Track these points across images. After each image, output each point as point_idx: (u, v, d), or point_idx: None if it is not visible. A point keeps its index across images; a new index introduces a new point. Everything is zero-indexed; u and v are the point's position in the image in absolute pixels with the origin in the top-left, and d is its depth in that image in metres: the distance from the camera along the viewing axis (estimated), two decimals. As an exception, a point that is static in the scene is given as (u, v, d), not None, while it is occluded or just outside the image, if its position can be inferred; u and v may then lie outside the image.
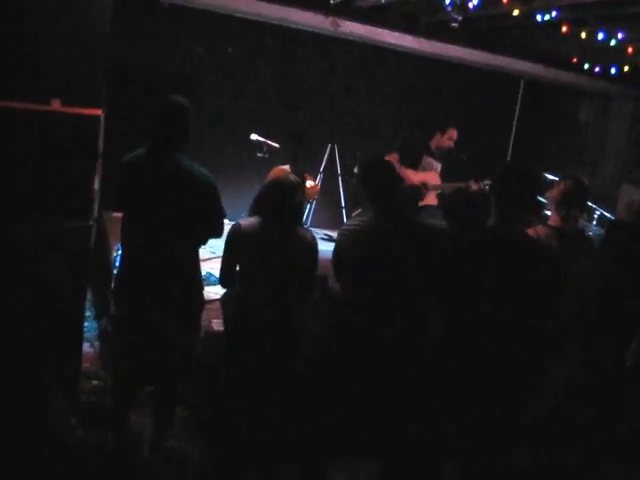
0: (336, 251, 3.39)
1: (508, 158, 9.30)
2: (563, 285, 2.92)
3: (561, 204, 3.64)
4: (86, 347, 4.32)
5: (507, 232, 2.90)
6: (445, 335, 2.99)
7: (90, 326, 4.82)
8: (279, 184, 3.53)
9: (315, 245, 3.57)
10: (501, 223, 2.90)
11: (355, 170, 7.87)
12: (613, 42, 6.19)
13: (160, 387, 3.66)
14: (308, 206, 7.28)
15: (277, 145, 6.83)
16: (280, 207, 3.47)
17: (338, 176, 7.85)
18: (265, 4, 6.24)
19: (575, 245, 3.57)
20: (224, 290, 3.81)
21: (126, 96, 6.22)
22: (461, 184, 6.39)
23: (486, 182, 6.33)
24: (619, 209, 3.87)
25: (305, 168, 6.53)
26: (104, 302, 4.82)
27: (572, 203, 3.63)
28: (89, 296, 4.40)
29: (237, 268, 3.55)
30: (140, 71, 6.89)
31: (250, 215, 3.69)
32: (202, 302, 3.60)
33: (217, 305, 4.08)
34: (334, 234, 7.43)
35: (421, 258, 3.17)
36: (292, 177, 3.63)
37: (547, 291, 2.84)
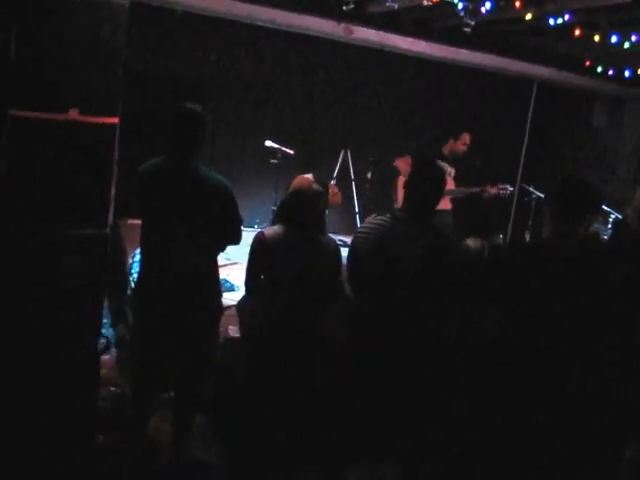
0: (352, 254, 3.38)
1: (521, 162, 9.28)
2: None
3: None
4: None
5: (567, 245, 2.86)
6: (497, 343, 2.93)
7: (107, 333, 4.85)
8: (302, 193, 3.57)
9: (339, 252, 3.60)
10: (558, 236, 2.87)
11: (368, 176, 7.91)
12: (627, 45, 6.16)
13: (179, 393, 3.68)
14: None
15: (291, 151, 6.85)
16: (303, 216, 3.49)
17: (352, 181, 7.84)
18: (279, 11, 6.27)
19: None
20: (240, 296, 3.82)
21: (141, 102, 6.26)
22: (476, 189, 6.39)
23: (502, 186, 6.33)
24: (629, 211, 3.81)
25: (319, 174, 6.54)
26: (120, 308, 4.86)
27: None
28: (105, 303, 4.42)
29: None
30: (154, 78, 6.93)
31: (273, 224, 3.72)
32: (221, 309, 3.63)
33: (233, 311, 4.10)
34: (349, 239, 7.47)
35: (442, 268, 3.14)
36: (315, 186, 3.66)
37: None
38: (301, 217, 3.49)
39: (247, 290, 3.66)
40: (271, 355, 3.47)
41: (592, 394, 2.85)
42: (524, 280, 2.82)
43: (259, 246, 3.48)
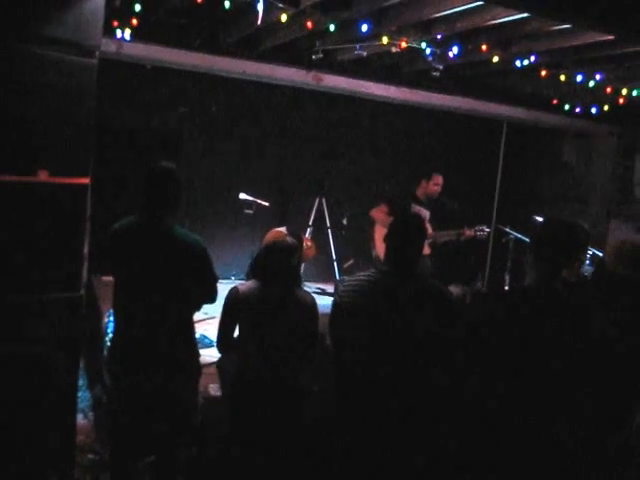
0: (337, 312, 3.31)
1: (495, 201, 9.35)
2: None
3: None
4: (80, 418, 4.21)
5: (550, 291, 2.80)
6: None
7: (83, 396, 4.71)
8: (276, 247, 3.51)
9: (315, 306, 3.53)
10: (542, 282, 2.81)
11: (344, 222, 7.90)
12: (592, 83, 6.28)
13: (159, 457, 3.56)
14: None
15: (266, 203, 6.83)
16: (277, 270, 3.44)
17: (327, 229, 7.83)
18: (248, 62, 6.30)
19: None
20: (219, 354, 3.73)
21: (113, 158, 6.22)
22: (453, 232, 6.40)
23: (479, 228, 6.34)
24: (607, 249, 3.80)
25: (295, 222, 6.52)
26: (97, 370, 4.73)
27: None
28: (81, 364, 4.31)
29: (235, 333, 3.50)
30: (125, 133, 6.90)
31: (248, 279, 3.65)
32: (199, 368, 3.53)
33: (213, 370, 4.00)
34: (327, 287, 7.44)
35: (432, 318, 3.08)
36: (289, 240, 3.62)
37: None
38: (275, 271, 3.44)
39: (218, 347, 3.57)
40: (249, 411, 3.40)
41: (582, 444, 2.79)
42: (508, 330, 2.77)
43: (233, 302, 3.42)
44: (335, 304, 3.31)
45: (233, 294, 3.44)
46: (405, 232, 3.22)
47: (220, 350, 3.61)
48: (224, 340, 3.50)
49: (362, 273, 3.25)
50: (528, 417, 2.71)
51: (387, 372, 3.07)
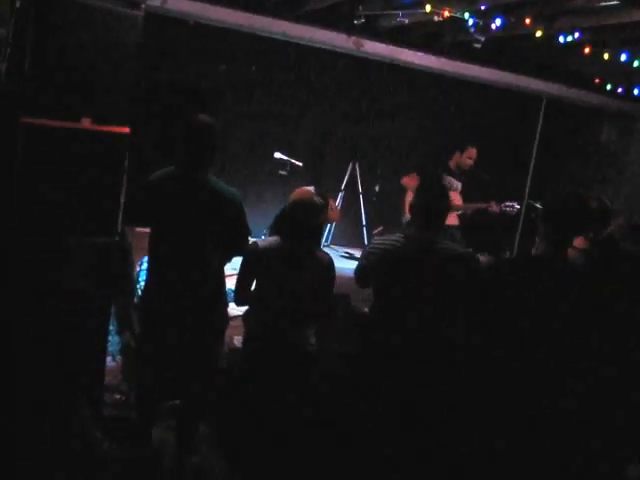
0: (363, 268, 3.41)
1: (529, 177, 9.29)
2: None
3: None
4: (108, 361, 4.35)
5: (559, 261, 2.88)
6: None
7: (112, 340, 4.86)
8: (301, 204, 3.51)
9: (332, 268, 3.56)
10: (552, 250, 2.88)
11: (376, 188, 7.92)
12: (636, 63, 6.20)
13: (184, 402, 3.69)
14: (327, 226, 7.30)
15: (300, 163, 6.87)
16: (300, 228, 3.46)
17: (359, 195, 7.86)
18: (289, 24, 6.32)
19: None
20: (237, 306, 3.84)
21: (152, 112, 6.31)
22: (482, 205, 6.40)
23: (508, 204, 6.33)
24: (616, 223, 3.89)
25: (327, 186, 6.55)
26: (126, 316, 4.87)
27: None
28: (112, 309, 4.44)
29: (252, 287, 3.58)
30: (166, 87, 6.97)
31: (270, 234, 3.70)
32: (227, 318, 3.63)
33: (239, 322, 4.10)
34: (355, 252, 7.49)
35: (451, 281, 3.18)
36: (316, 199, 3.61)
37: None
38: (297, 228, 3.46)
39: (235, 300, 3.65)
40: (260, 365, 3.49)
41: (590, 409, 2.87)
42: (521, 293, 2.85)
43: (252, 256, 3.48)
44: (364, 255, 3.44)
45: (252, 248, 3.48)
46: (427, 199, 3.32)
47: (237, 303, 3.69)
48: (241, 293, 3.57)
49: (390, 236, 3.33)
50: (534, 377, 2.80)
51: (413, 321, 3.19)
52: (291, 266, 3.45)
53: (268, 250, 3.46)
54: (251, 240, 3.62)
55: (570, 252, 3.48)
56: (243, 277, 3.55)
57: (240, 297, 3.61)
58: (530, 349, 2.80)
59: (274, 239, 3.53)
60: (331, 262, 3.57)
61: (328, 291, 3.57)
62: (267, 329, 3.48)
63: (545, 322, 2.78)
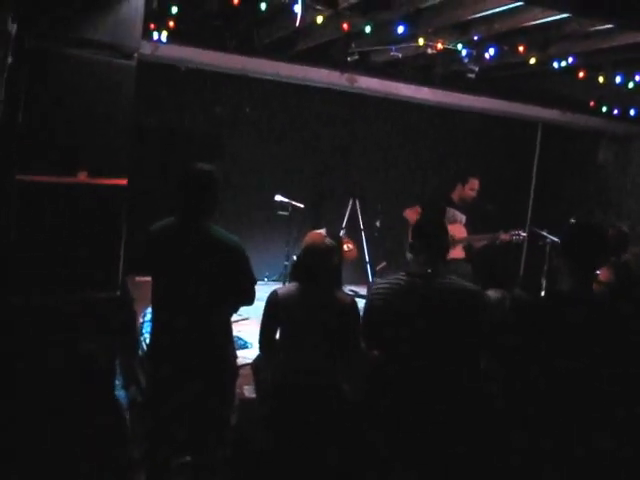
0: (370, 313, 3.31)
1: (530, 204, 9.24)
2: None
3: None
4: (115, 417, 4.24)
5: (588, 297, 2.78)
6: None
7: (118, 395, 4.74)
8: (314, 249, 3.54)
9: (355, 307, 3.52)
10: (579, 287, 2.77)
11: (377, 224, 7.85)
12: (631, 85, 6.18)
13: (195, 458, 3.57)
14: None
15: (301, 205, 6.82)
16: (316, 271, 3.46)
17: (361, 231, 7.80)
18: (282, 64, 6.31)
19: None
20: (253, 354, 3.75)
21: (150, 159, 6.28)
22: (489, 235, 6.31)
23: (515, 232, 6.23)
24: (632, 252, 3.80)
25: (329, 224, 6.50)
26: (132, 370, 4.77)
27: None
28: (117, 364, 4.35)
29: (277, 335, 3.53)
30: (163, 133, 6.95)
31: (290, 281, 3.68)
32: (236, 370, 3.55)
33: (248, 371, 4.00)
34: (359, 290, 7.40)
35: (459, 320, 3.08)
36: (327, 241, 3.64)
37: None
38: (313, 273, 3.47)
39: (261, 350, 3.64)
40: (289, 414, 3.39)
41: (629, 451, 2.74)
42: (549, 334, 2.73)
43: (273, 304, 3.47)
44: (367, 306, 3.33)
45: (272, 297, 3.48)
46: (425, 229, 3.28)
47: (262, 351, 3.66)
48: (266, 342, 3.55)
49: (392, 276, 3.27)
50: (565, 425, 2.67)
51: (420, 368, 3.07)
52: (312, 311, 3.43)
53: (287, 297, 3.46)
54: (270, 289, 3.59)
55: (595, 287, 3.39)
56: (265, 326, 3.54)
57: (266, 345, 3.59)
58: (569, 391, 2.68)
59: (293, 285, 3.54)
60: (353, 302, 3.56)
61: (353, 331, 3.49)
62: (297, 375, 3.40)
63: (581, 363, 2.66)
